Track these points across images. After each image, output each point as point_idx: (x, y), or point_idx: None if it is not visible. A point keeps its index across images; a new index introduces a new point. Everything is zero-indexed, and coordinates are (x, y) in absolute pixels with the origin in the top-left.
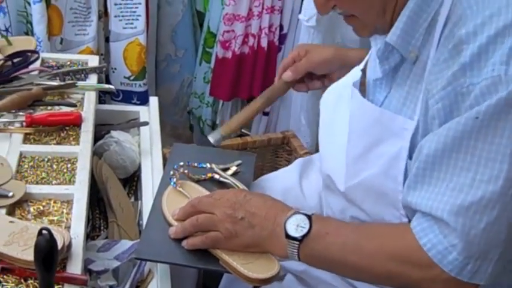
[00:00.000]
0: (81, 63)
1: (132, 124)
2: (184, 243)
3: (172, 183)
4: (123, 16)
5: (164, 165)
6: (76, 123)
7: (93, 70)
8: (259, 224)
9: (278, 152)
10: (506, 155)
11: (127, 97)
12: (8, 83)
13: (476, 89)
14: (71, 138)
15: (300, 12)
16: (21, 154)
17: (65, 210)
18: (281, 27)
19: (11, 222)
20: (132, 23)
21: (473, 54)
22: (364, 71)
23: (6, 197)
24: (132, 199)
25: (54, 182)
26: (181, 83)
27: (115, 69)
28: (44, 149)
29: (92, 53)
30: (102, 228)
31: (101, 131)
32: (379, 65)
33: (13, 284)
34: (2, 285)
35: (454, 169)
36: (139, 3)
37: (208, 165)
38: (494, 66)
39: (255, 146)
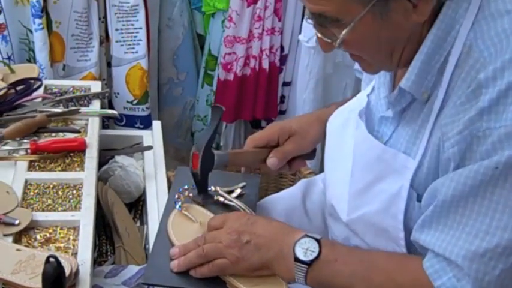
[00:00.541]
0: (84, 89)
1: (136, 149)
2: (192, 272)
3: (177, 207)
4: (124, 41)
5: (169, 188)
6: (80, 149)
7: (96, 96)
8: (265, 245)
9: (282, 173)
10: None
11: (130, 121)
12: (12, 111)
13: (494, 135)
14: (76, 165)
15: (300, 33)
16: (26, 181)
17: (71, 237)
18: (282, 48)
19: (18, 250)
20: (133, 48)
21: (492, 99)
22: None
23: (12, 225)
24: (138, 223)
25: (60, 208)
26: (183, 106)
27: (118, 94)
28: (49, 176)
29: (94, 78)
30: (109, 253)
31: (105, 156)
32: (391, 107)
33: None
34: None
35: (470, 213)
36: (140, 28)
37: (212, 188)
38: None
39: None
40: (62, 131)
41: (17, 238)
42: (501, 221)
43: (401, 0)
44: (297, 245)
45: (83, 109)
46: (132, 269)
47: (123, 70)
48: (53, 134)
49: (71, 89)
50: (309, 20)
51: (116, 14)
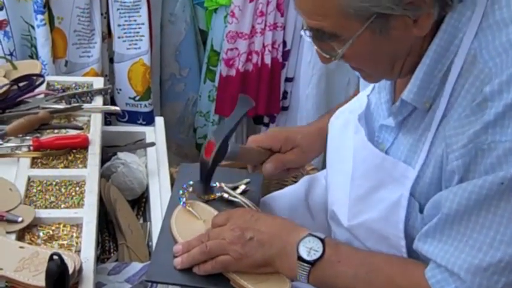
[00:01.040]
0: (86, 85)
1: (139, 145)
2: (195, 269)
3: (181, 203)
4: (126, 37)
5: (172, 185)
6: (83, 145)
7: (99, 92)
8: (268, 242)
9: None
10: None
11: (133, 118)
12: (15, 108)
13: (499, 148)
14: (79, 161)
15: (302, 28)
16: (29, 178)
17: (74, 234)
18: (284, 43)
19: (21, 247)
20: (135, 44)
21: (498, 113)
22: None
23: (15, 222)
24: (141, 220)
25: (63, 205)
26: (186, 102)
27: (120, 90)
28: (52, 173)
29: (96, 74)
30: (112, 250)
31: (107, 152)
32: (393, 117)
33: None
34: None
35: (474, 226)
36: (143, 24)
37: (217, 184)
38: None
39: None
40: (65, 128)
41: (20, 235)
42: (505, 236)
43: (400, 16)
44: (301, 243)
45: (85, 105)
46: (136, 266)
47: (126, 66)
48: (56, 131)
49: (74, 85)
50: (307, 33)
51: (118, 9)
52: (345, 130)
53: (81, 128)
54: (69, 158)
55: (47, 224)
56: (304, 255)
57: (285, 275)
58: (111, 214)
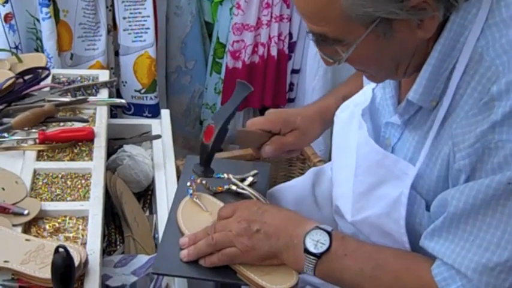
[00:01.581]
0: (92, 78)
1: (145, 138)
2: (201, 262)
3: (189, 195)
4: (132, 29)
5: (178, 177)
6: (89, 138)
7: (104, 85)
8: (275, 234)
9: (292, 161)
10: None
11: (138, 110)
12: (20, 101)
13: (506, 147)
14: (84, 154)
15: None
16: (35, 171)
17: (80, 227)
18: (290, 35)
19: (27, 240)
20: (141, 36)
21: (505, 113)
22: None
23: (21, 215)
24: (147, 213)
25: (69, 198)
26: (192, 94)
27: (125, 82)
28: (58, 166)
29: (102, 67)
30: (118, 243)
31: (113, 145)
32: (399, 116)
33: None
34: None
35: (481, 225)
36: (148, 16)
37: (225, 175)
38: None
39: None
40: (70, 121)
41: (26, 228)
42: None
43: (405, 19)
44: (308, 236)
45: (91, 98)
46: (142, 259)
47: (131, 59)
48: (61, 124)
49: (79, 78)
50: (310, 36)
51: (123, 2)
52: (349, 124)
53: (86, 121)
54: (75, 150)
55: (53, 217)
56: (311, 248)
57: (292, 268)
58: (117, 207)
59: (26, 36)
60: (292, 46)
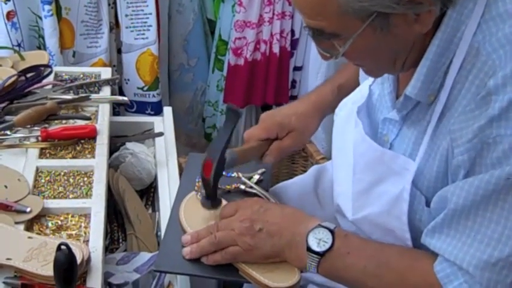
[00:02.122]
0: (94, 75)
1: (147, 135)
2: (204, 259)
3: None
4: (134, 27)
5: (180, 175)
6: (91, 136)
7: (106, 82)
8: (278, 233)
9: (294, 159)
10: None
11: (141, 108)
12: (22, 98)
13: (504, 142)
14: (87, 152)
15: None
16: (37, 169)
17: (83, 224)
18: (292, 32)
19: (29, 238)
20: (143, 34)
21: (502, 107)
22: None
23: (24, 212)
24: (150, 210)
25: (71, 196)
26: (194, 92)
27: (128, 80)
28: (60, 163)
29: (104, 65)
30: (120, 240)
31: (116, 143)
32: (397, 112)
33: None
34: None
35: (482, 221)
36: (150, 14)
37: (234, 174)
38: None
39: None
40: (73, 118)
41: (29, 226)
42: None
43: (402, 13)
44: (310, 234)
45: (93, 96)
46: (144, 256)
47: (134, 56)
48: (64, 121)
49: (81, 75)
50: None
51: None
52: (347, 122)
53: (89, 118)
54: (77, 148)
55: (55, 214)
56: (314, 246)
57: (294, 266)
58: (120, 204)
59: (28, 34)
60: (294, 43)
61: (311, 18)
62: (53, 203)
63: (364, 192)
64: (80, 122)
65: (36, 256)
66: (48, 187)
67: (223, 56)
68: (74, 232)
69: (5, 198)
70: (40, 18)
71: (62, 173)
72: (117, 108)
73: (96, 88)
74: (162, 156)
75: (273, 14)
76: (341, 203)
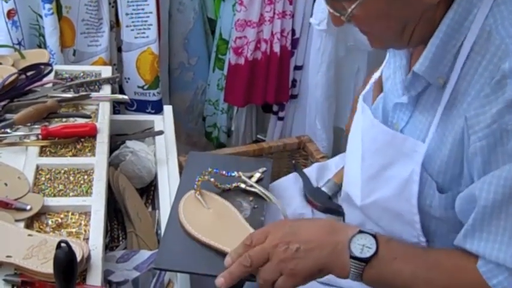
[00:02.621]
0: (95, 74)
1: (147, 134)
2: None
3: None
4: (134, 26)
5: (180, 173)
6: (91, 134)
7: (107, 81)
8: (317, 246)
9: (295, 157)
10: None
11: (141, 106)
12: (23, 97)
13: None
14: (87, 150)
15: (311, 16)
16: (37, 167)
17: (83, 222)
18: (293, 31)
19: (29, 235)
20: (144, 33)
21: None
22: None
23: (24, 210)
24: (150, 209)
25: (71, 194)
26: (195, 91)
27: (128, 79)
28: (60, 161)
29: (104, 63)
30: (120, 238)
31: (116, 141)
32: (406, 92)
33: None
34: None
35: None
36: (151, 13)
37: (236, 173)
38: None
39: (271, 152)
40: (73, 116)
41: (29, 223)
42: None
43: None
44: (352, 241)
45: (93, 94)
46: (144, 254)
47: (134, 55)
48: (64, 120)
49: (82, 74)
50: None
51: None
52: (358, 113)
53: (89, 117)
54: (78, 146)
55: (55, 212)
56: (357, 253)
57: (337, 275)
58: (120, 202)
59: (29, 33)
60: (295, 42)
61: None
62: (53, 201)
63: (374, 177)
64: (80, 121)
65: (36, 254)
66: (48, 185)
67: (223, 55)
68: (74, 230)
69: (5, 196)
70: (40, 16)
71: (62, 171)
72: (117, 107)
73: (96, 87)
74: (162, 155)
75: (274, 13)
76: (350, 191)
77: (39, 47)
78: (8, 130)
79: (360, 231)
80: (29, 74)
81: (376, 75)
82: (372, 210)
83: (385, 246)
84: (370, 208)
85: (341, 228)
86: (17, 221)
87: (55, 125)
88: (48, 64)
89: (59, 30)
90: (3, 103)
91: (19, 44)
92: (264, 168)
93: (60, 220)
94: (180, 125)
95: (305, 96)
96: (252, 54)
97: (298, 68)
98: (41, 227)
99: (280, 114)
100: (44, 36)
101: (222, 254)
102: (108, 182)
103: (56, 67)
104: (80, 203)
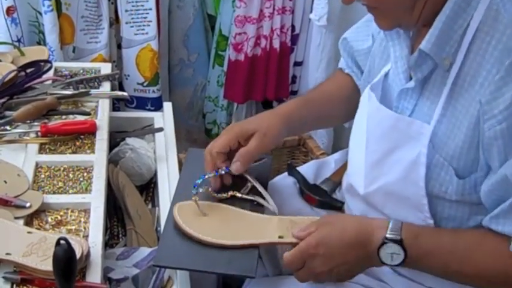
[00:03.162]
0: (94, 71)
1: (147, 131)
2: None
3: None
4: (134, 22)
5: (180, 170)
6: (91, 131)
7: (106, 78)
8: (353, 267)
9: (294, 154)
10: None
11: (141, 103)
12: (22, 94)
13: None
14: (86, 147)
15: (311, 11)
16: (37, 164)
17: (82, 219)
18: (293, 27)
19: (29, 232)
20: (143, 29)
21: None
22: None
23: (23, 207)
24: (150, 206)
25: (70, 191)
26: (195, 87)
27: (128, 75)
28: (60, 159)
29: (104, 60)
30: (120, 236)
31: (115, 138)
32: (412, 74)
33: None
34: None
35: None
36: (150, 9)
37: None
38: None
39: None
40: (72, 113)
41: (28, 221)
42: None
43: None
44: (381, 251)
45: (93, 91)
46: (144, 251)
47: (134, 52)
48: (63, 117)
49: (81, 71)
50: None
51: None
52: (362, 104)
53: (88, 114)
54: (77, 143)
55: (55, 210)
56: (388, 261)
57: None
58: (120, 199)
59: (28, 30)
60: (294, 38)
61: None
62: (52, 198)
63: (377, 163)
64: (80, 118)
65: (36, 251)
66: (48, 182)
67: (223, 52)
68: (73, 227)
69: (4, 193)
70: (40, 13)
71: (62, 168)
72: (117, 104)
73: (96, 83)
74: (162, 152)
75: (274, 9)
76: (352, 180)
77: (39, 44)
78: (8, 127)
79: (385, 241)
80: (28, 71)
81: (385, 68)
82: (376, 198)
83: (413, 246)
84: (374, 196)
85: (367, 241)
86: (16, 218)
87: (54, 122)
88: (47, 61)
89: (58, 27)
90: (2, 100)
91: (18, 41)
92: (264, 158)
93: (59, 217)
94: (180, 122)
95: (305, 92)
96: (251, 50)
97: (298, 64)
98: (41, 224)
99: None
100: (43, 33)
101: (221, 251)
102: (108, 179)
103: (55, 64)
104: (79, 200)
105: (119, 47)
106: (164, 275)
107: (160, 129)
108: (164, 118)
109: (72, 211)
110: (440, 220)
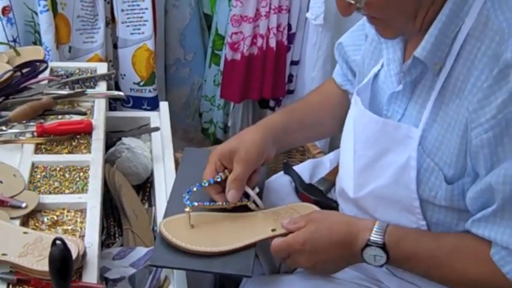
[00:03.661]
0: (90, 70)
1: (143, 130)
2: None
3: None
4: (130, 22)
5: (177, 170)
6: (87, 131)
7: (102, 77)
8: (337, 263)
9: (291, 153)
10: None
11: (137, 103)
12: (18, 94)
13: None
14: (83, 147)
15: (307, 10)
16: (33, 164)
17: (78, 219)
18: (289, 26)
19: (25, 233)
20: (139, 29)
21: None
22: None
23: (19, 207)
24: (146, 205)
25: (67, 191)
26: (191, 87)
27: (124, 75)
28: (56, 159)
29: (100, 60)
30: (117, 235)
31: (112, 138)
32: (402, 78)
33: None
34: None
35: None
36: (146, 9)
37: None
38: None
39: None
40: (68, 113)
41: (24, 221)
42: None
43: None
44: (364, 253)
45: (89, 91)
46: (140, 251)
47: (130, 51)
48: (59, 117)
49: (77, 70)
50: None
51: None
52: (351, 107)
53: (85, 114)
54: (73, 143)
55: (51, 210)
56: (371, 262)
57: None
58: (116, 199)
59: (24, 30)
60: (291, 37)
61: None
62: (48, 198)
63: (366, 168)
64: (76, 117)
65: (32, 251)
66: (44, 182)
67: (219, 51)
68: (69, 227)
69: (0, 193)
70: (36, 13)
71: (58, 168)
72: (113, 104)
73: (92, 83)
74: (158, 151)
75: (270, 8)
76: (344, 184)
77: (35, 43)
78: (3, 127)
79: (368, 243)
80: (24, 71)
81: (375, 68)
82: (367, 202)
83: (395, 250)
84: (364, 200)
85: (353, 241)
86: (12, 218)
87: (50, 122)
88: (43, 61)
89: (54, 27)
90: None
91: (14, 41)
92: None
93: (55, 217)
94: (177, 121)
95: (302, 92)
96: (248, 49)
97: (294, 63)
98: (37, 224)
99: (277, 109)
100: (39, 33)
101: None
102: (104, 179)
103: (51, 64)
104: (75, 200)
105: (115, 46)
106: (161, 274)
107: (157, 129)
108: (160, 117)
109: (68, 211)
110: (429, 225)
